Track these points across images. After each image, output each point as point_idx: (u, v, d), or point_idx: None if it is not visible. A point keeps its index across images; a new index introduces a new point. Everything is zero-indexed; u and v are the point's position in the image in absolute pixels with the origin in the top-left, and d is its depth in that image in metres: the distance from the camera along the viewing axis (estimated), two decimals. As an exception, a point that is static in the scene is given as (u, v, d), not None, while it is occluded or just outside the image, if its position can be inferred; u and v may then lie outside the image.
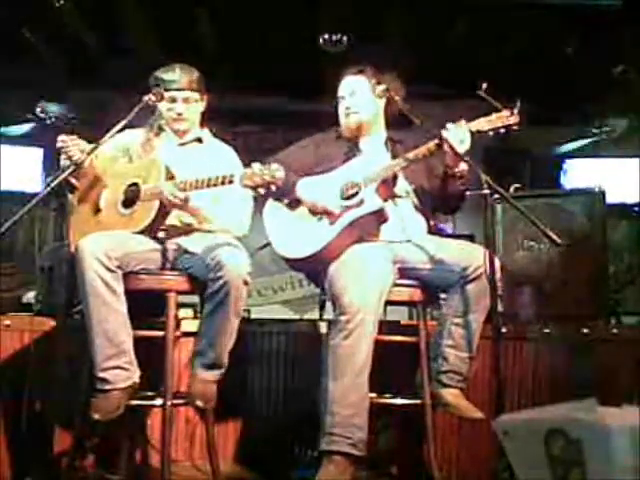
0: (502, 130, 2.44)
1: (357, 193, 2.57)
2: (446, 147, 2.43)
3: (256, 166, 2.27)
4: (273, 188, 2.28)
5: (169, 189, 2.47)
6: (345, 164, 2.67)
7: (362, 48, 4.56)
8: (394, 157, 2.67)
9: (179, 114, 2.71)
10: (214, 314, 2.42)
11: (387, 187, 2.61)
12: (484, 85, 2.39)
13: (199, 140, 2.81)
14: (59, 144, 2.55)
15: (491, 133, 2.46)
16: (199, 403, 2.46)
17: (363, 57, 2.81)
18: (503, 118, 2.43)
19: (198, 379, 2.47)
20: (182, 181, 2.50)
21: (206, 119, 2.85)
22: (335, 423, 2.33)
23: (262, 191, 2.28)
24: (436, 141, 2.47)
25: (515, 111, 2.41)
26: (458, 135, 2.43)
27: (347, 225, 2.54)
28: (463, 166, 2.49)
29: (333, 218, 2.56)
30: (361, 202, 2.55)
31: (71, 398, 2.64)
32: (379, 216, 2.57)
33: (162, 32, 4.69)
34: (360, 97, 2.71)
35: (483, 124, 2.46)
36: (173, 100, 2.69)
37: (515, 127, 2.43)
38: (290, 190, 2.61)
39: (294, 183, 2.61)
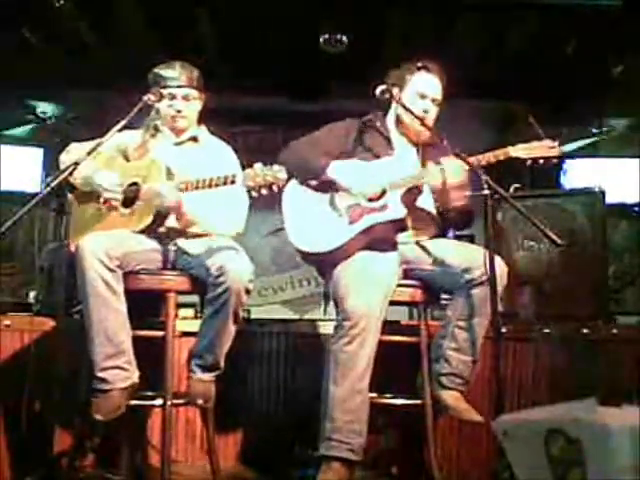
0: (541, 162, 2.38)
1: (382, 196, 2.52)
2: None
3: (258, 167, 2.26)
4: (275, 189, 2.27)
5: (166, 190, 2.46)
6: (374, 161, 2.60)
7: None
8: (423, 162, 2.62)
9: (178, 111, 2.69)
10: (213, 318, 2.42)
11: (412, 195, 2.56)
12: (532, 117, 2.34)
13: (194, 139, 2.78)
14: None
15: (529, 162, 2.40)
16: (199, 401, 2.47)
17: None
18: (544, 149, 2.38)
19: (196, 379, 2.48)
20: (183, 181, 2.50)
21: (206, 119, 2.84)
22: (335, 429, 2.33)
23: (264, 192, 2.27)
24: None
25: (557, 143, 2.35)
26: (450, 172, 2.40)
27: (366, 228, 2.50)
28: (461, 202, 2.47)
29: (356, 216, 2.52)
30: (384, 207, 2.51)
31: (71, 398, 2.64)
32: (400, 224, 2.53)
33: (162, 32, 4.68)
34: (437, 107, 2.65)
35: (522, 152, 2.40)
36: (172, 97, 2.67)
37: (555, 160, 2.37)
38: (321, 172, 2.54)
39: (325, 166, 2.54)
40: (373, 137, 2.68)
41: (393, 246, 2.56)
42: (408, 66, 2.70)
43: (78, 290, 2.40)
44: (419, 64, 2.67)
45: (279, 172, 2.23)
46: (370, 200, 2.53)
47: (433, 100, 2.63)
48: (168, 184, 2.50)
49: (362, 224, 2.51)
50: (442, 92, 2.66)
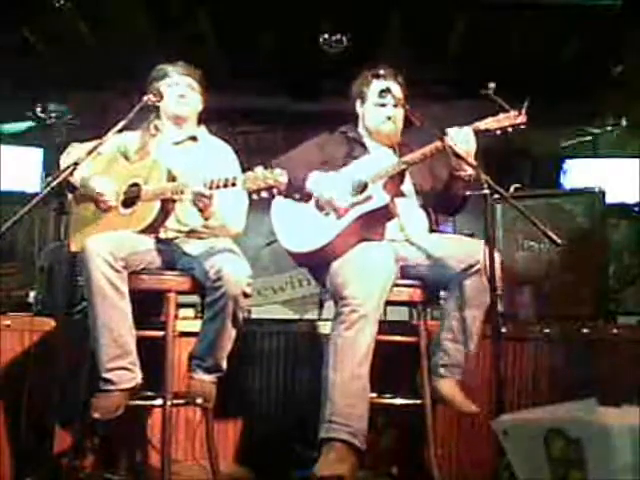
0: (509, 129, 2.44)
1: (365, 190, 2.57)
2: (448, 150, 2.43)
3: (259, 170, 2.25)
4: (275, 192, 2.27)
5: (198, 188, 2.43)
6: (353, 163, 2.67)
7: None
8: (402, 157, 2.65)
9: (182, 95, 2.69)
10: (212, 321, 2.42)
11: (394, 184, 2.61)
12: (491, 85, 2.38)
13: (194, 139, 2.78)
14: None
15: (499, 132, 2.45)
16: (199, 400, 2.46)
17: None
18: (511, 118, 2.43)
19: (197, 379, 2.48)
20: (182, 183, 2.49)
21: (206, 119, 2.84)
22: (334, 411, 2.32)
23: (265, 194, 2.26)
24: (435, 144, 2.48)
25: (523, 111, 2.41)
26: (459, 138, 2.44)
27: (354, 220, 2.54)
28: (469, 170, 2.49)
29: (341, 213, 2.56)
30: (369, 198, 2.56)
31: (71, 398, 2.64)
32: (386, 212, 2.56)
33: (162, 32, 4.68)
34: (401, 108, 2.70)
35: (491, 124, 2.46)
36: (176, 84, 2.69)
37: (523, 127, 2.43)
38: (302, 187, 2.61)
39: (305, 180, 2.61)
40: (348, 145, 2.77)
41: (383, 235, 2.60)
42: (363, 77, 2.79)
43: (84, 291, 2.39)
44: (372, 73, 2.75)
45: (280, 175, 2.23)
46: (354, 195, 2.58)
47: (395, 105, 2.69)
48: (195, 183, 2.46)
49: (350, 217, 2.55)
50: (402, 92, 2.73)
